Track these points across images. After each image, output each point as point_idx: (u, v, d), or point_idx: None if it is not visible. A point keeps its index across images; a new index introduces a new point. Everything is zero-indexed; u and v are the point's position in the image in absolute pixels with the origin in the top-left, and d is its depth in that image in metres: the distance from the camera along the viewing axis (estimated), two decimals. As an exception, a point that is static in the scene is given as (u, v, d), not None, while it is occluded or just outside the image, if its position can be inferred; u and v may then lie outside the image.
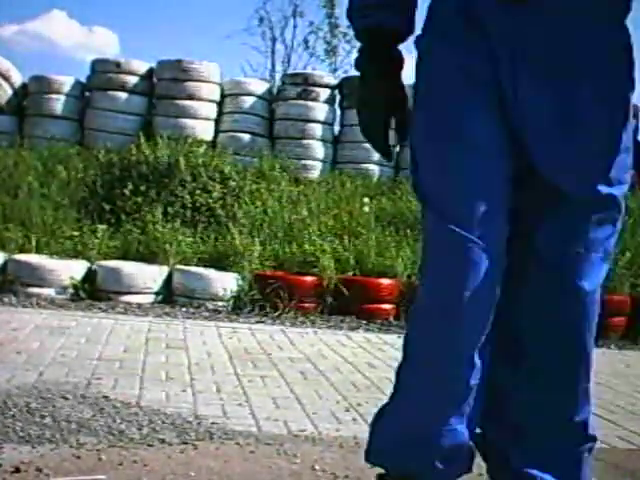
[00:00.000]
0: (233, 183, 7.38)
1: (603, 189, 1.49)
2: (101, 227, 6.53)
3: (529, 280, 1.55)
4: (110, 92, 9.05)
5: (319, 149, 9.10)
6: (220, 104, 9.29)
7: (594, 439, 1.64)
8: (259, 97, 9.31)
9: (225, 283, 6.00)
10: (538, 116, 1.47)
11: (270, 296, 5.90)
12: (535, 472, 1.60)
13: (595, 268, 1.53)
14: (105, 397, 3.08)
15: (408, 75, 1.61)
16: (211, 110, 9.16)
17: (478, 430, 1.64)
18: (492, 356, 1.56)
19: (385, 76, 1.59)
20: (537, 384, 1.58)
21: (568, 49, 1.46)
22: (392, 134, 1.63)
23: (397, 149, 9.51)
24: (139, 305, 5.78)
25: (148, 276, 5.98)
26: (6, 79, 9.13)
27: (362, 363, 4.34)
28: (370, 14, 1.60)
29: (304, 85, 9.31)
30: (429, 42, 1.60)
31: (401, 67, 1.62)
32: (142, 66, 9.30)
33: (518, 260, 1.54)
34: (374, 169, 9.06)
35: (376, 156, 9.13)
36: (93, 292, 5.88)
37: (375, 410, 1.81)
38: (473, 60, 1.50)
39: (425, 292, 1.55)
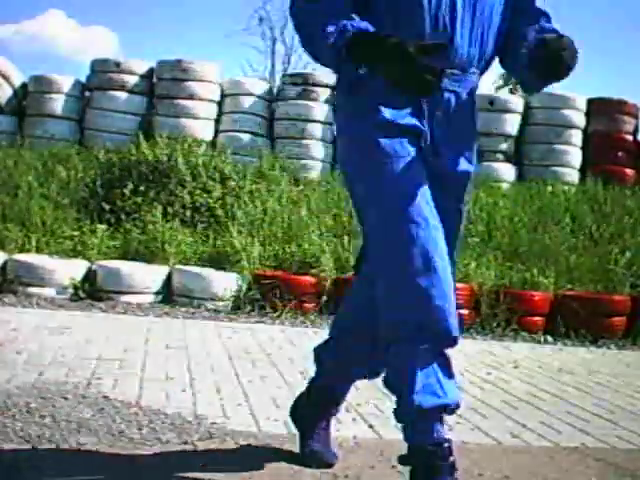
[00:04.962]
0: (233, 183, 7.38)
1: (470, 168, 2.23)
2: (101, 227, 6.53)
3: None
4: (110, 92, 9.05)
5: (319, 149, 9.10)
6: (220, 104, 9.30)
7: None
8: (259, 97, 9.31)
9: (225, 283, 6.00)
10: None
11: (270, 296, 5.90)
12: None
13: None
14: (105, 397, 3.08)
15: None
16: (211, 110, 9.16)
17: None
18: None
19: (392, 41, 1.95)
20: None
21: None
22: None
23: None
24: (139, 305, 5.78)
25: (148, 276, 5.98)
26: (6, 79, 9.13)
27: (362, 363, 4.33)
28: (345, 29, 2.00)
29: (304, 85, 9.31)
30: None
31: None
32: (142, 66, 9.30)
33: None
34: (374, 169, 9.05)
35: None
36: (93, 292, 5.88)
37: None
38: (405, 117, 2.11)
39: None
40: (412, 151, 2.08)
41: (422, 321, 2.00)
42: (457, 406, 2.09)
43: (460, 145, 2.19)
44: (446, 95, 2.11)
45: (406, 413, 2.06)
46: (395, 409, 2.11)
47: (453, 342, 2.07)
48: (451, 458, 2.05)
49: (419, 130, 2.10)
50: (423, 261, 2.00)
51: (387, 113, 2.07)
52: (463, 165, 2.19)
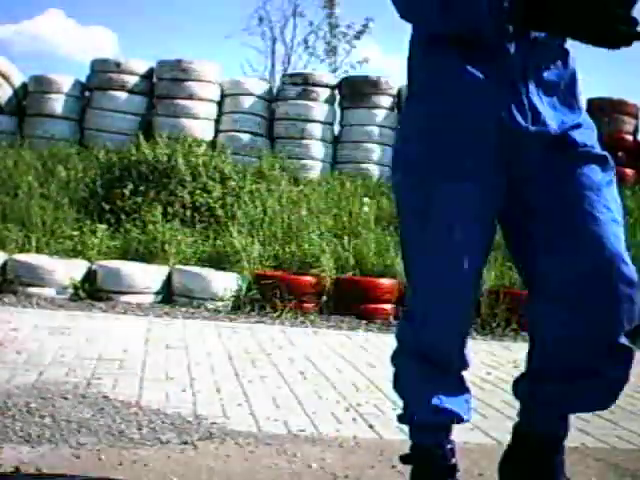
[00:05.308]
0: (233, 183, 7.38)
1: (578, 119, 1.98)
2: (101, 227, 6.53)
3: None
4: (110, 92, 9.05)
5: (319, 149, 9.09)
6: (220, 104, 9.29)
7: None
8: (259, 97, 9.31)
9: (225, 283, 6.00)
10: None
11: (270, 296, 5.90)
12: None
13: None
14: (105, 397, 3.08)
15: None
16: (211, 110, 9.16)
17: None
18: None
19: None
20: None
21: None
22: None
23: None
24: (139, 305, 5.78)
25: (148, 276, 5.98)
26: (6, 79, 9.13)
27: (362, 363, 4.34)
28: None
29: (304, 85, 9.31)
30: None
31: None
32: (142, 66, 9.30)
33: None
34: (374, 169, 9.05)
35: (376, 156, 9.14)
36: (93, 292, 5.89)
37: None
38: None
39: None
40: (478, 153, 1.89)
41: (427, 353, 2.00)
42: (460, 421, 2.08)
43: (560, 98, 1.96)
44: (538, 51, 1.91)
45: (408, 422, 2.06)
46: (399, 415, 2.11)
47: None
48: (453, 460, 2.04)
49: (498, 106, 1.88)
50: (443, 299, 1.96)
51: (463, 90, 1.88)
52: (568, 119, 1.96)
